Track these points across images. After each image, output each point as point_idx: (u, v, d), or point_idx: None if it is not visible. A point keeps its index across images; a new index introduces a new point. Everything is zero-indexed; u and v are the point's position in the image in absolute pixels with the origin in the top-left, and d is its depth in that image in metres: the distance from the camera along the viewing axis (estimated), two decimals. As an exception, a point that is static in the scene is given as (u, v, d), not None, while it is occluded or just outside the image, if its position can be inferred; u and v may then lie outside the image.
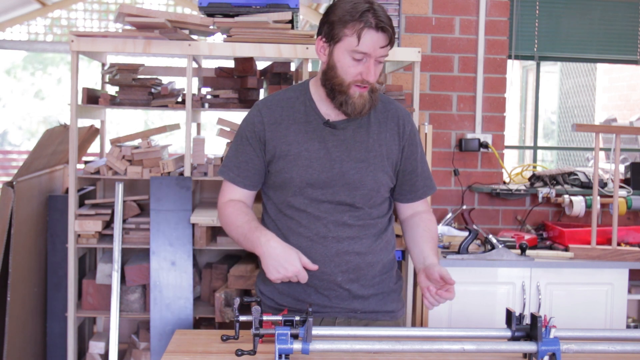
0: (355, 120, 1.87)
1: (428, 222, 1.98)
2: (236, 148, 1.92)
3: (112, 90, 3.21)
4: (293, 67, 3.24)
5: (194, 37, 2.93)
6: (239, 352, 1.62)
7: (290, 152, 1.84)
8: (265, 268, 1.75)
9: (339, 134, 1.85)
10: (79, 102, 2.85)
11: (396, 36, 2.92)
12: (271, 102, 1.91)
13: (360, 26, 1.72)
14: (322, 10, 6.76)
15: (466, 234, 3.07)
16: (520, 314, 1.67)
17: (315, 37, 2.80)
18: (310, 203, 1.85)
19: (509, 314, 1.67)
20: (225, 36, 2.90)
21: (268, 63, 3.18)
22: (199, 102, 2.96)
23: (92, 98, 2.97)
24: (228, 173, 1.91)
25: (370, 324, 1.92)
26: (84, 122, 3.16)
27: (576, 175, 3.60)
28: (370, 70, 1.76)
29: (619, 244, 3.19)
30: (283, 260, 1.73)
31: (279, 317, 1.62)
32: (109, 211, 2.87)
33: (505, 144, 3.71)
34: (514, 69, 4.22)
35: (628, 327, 3.34)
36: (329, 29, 1.78)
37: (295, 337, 1.59)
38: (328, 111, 1.87)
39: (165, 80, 3.13)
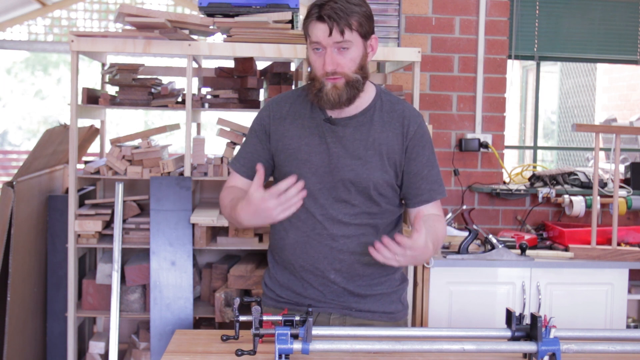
0: (357, 118, 1.88)
1: (435, 221, 1.89)
2: (246, 141, 1.98)
3: (112, 90, 3.21)
4: (293, 67, 3.24)
5: (194, 37, 2.93)
6: (239, 352, 1.62)
7: (291, 146, 1.88)
8: (248, 221, 1.74)
9: (338, 130, 1.87)
10: (79, 102, 2.85)
11: (395, 36, 2.94)
12: (281, 98, 1.97)
13: (308, 20, 1.80)
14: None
15: (466, 234, 3.06)
16: (520, 314, 1.67)
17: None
18: (307, 198, 1.85)
19: (509, 314, 1.67)
20: (225, 36, 2.90)
21: (268, 63, 3.18)
22: (199, 102, 2.96)
23: (92, 98, 2.97)
24: (235, 164, 1.97)
25: (365, 323, 1.91)
26: (84, 122, 3.16)
27: (576, 175, 3.59)
28: (327, 60, 1.78)
29: (619, 244, 3.19)
30: (256, 210, 1.70)
31: (278, 317, 1.62)
32: (109, 211, 2.87)
33: (505, 144, 3.70)
34: (514, 69, 4.22)
35: (628, 327, 3.34)
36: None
37: (295, 337, 1.59)
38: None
39: (165, 80, 3.13)
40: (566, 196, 3.47)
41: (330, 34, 1.75)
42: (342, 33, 1.76)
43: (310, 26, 1.79)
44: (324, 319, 1.91)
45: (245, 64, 3.03)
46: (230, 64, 3.15)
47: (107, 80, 3.13)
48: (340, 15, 1.75)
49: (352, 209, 1.87)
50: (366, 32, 1.81)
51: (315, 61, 1.81)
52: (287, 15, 2.83)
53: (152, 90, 2.97)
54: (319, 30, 1.77)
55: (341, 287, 1.89)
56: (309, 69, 1.89)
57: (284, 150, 1.89)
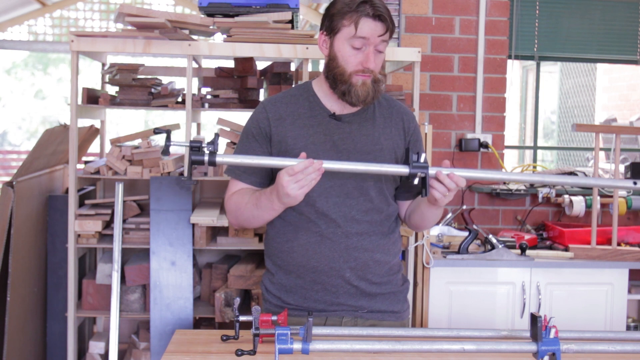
0: (360, 114, 1.90)
1: None
2: (242, 146, 1.92)
3: (112, 90, 3.21)
4: (293, 67, 3.24)
5: (194, 37, 2.93)
6: (239, 352, 1.62)
7: (297, 146, 1.85)
8: (291, 192, 1.67)
9: (344, 126, 1.88)
10: (79, 102, 2.85)
11: (396, 36, 2.94)
12: (275, 99, 1.94)
13: (357, 15, 1.79)
14: (322, 10, 6.76)
15: (466, 234, 3.07)
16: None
17: (315, 36, 2.82)
18: (318, 197, 1.84)
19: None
20: (225, 36, 2.90)
21: (268, 63, 3.18)
22: (199, 102, 2.96)
23: (92, 98, 2.97)
24: (234, 171, 1.91)
25: (376, 324, 1.92)
26: (84, 122, 3.16)
27: (576, 175, 3.60)
28: (370, 57, 1.80)
29: (619, 244, 3.19)
30: (294, 178, 1.66)
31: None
32: (109, 211, 2.87)
33: (505, 144, 3.71)
34: (514, 69, 4.22)
35: (628, 327, 3.34)
36: (329, 22, 1.85)
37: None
38: (332, 106, 1.89)
39: (165, 80, 3.13)
40: (566, 196, 3.48)
41: (384, 34, 1.80)
42: (391, 35, 1.83)
43: (360, 21, 1.79)
44: (336, 323, 1.90)
45: (245, 64, 3.03)
46: (230, 64, 3.15)
47: (107, 80, 3.13)
48: (389, 16, 1.81)
49: (365, 204, 1.87)
50: None
51: (351, 56, 1.81)
52: (287, 15, 2.83)
53: (152, 90, 2.97)
54: (370, 27, 1.79)
55: (354, 286, 1.88)
56: (321, 67, 1.88)
57: (288, 152, 1.85)
